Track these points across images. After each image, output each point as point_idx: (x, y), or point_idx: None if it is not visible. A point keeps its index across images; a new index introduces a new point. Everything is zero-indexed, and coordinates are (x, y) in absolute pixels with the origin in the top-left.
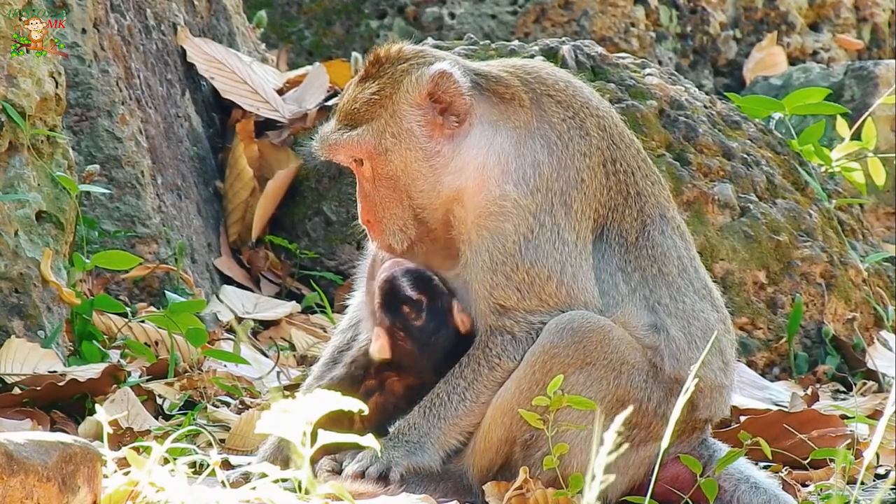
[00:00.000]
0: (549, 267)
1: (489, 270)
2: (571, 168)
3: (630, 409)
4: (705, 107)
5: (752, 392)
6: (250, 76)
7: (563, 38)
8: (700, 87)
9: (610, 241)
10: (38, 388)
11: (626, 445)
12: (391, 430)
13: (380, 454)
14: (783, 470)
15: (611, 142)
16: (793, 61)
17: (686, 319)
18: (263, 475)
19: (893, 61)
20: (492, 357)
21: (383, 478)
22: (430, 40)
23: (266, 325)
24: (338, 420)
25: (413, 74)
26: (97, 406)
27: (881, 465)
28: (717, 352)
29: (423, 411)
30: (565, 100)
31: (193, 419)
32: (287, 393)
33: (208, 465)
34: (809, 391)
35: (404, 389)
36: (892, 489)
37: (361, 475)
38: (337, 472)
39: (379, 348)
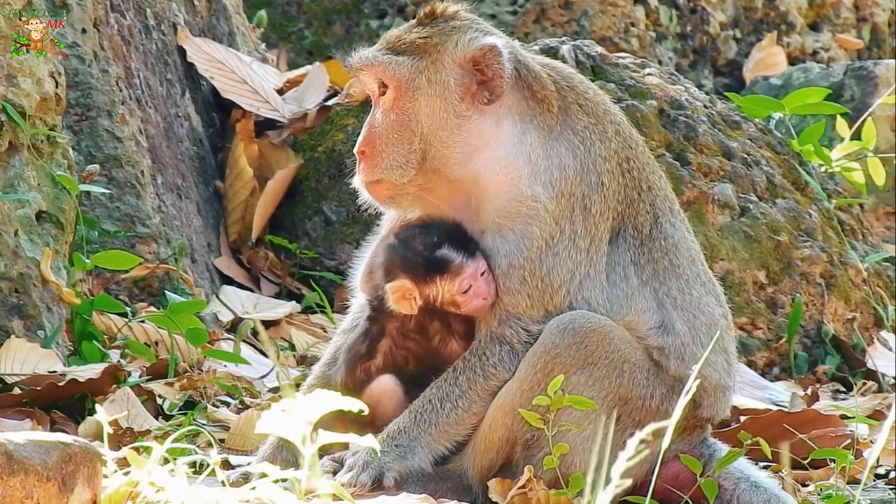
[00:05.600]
0: (561, 276)
1: (504, 274)
2: (593, 172)
3: (666, 421)
4: (705, 107)
5: (752, 392)
6: (250, 76)
7: (563, 38)
8: (700, 86)
9: (626, 235)
10: (38, 388)
11: (647, 451)
12: (382, 433)
13: (379, 455)
14: (783, 470)
15: (625, 144)
16: (793, 61)
17: (692, 313)
18: (263, 475)
19: (893, 61)
20: (488, 367)
21: (377, 483)
22: None
23: (266, 325)
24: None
25: (466, 35)
26: (97, 406)
27: (881, 465)
28: (722, 350)
29: (413, 416)
30: (591, 108)
31: (193, 419)
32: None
33: (208, 465)
34: (809, 391)
35: (402, 334)
36: (892, 489)
37: (354, 483)
38: (336, 472)
39: (409, 305)
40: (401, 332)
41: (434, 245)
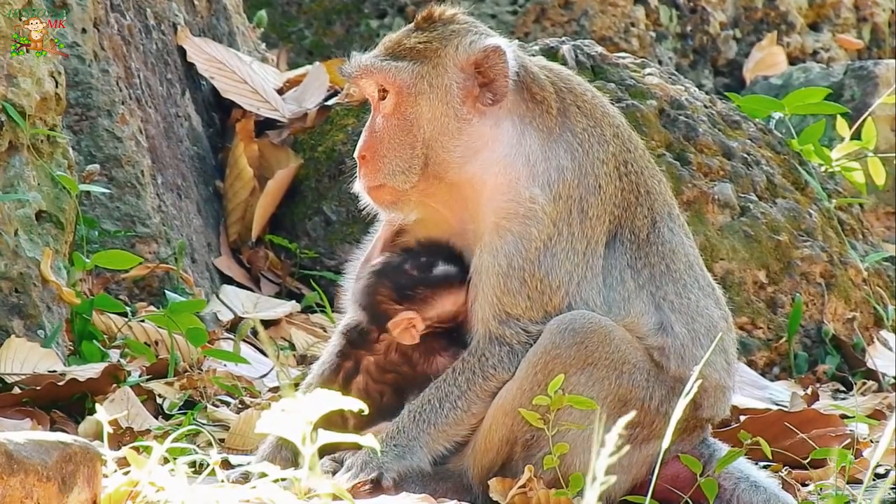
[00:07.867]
0: (560, 277)
1: (504, 275)
2: (591, 175)
3: (633, 413)
4: (705, 106)
5: (752, 392)
6: (250, 76)
7: (563, 38)
8: (700, 86)
9: (623, 238)
10: (38, 388)
11: (627, 447)
12: (381, 435)
13: (379, 455)
14: (783, 470)
15: (624, 147)
16: (793, 61)
17: (690, 315)
18: (263, 475)
19: (893, 61)
20: (487, 367)
21: (376, 484)
22: None
23: (266, 324)
24: (332, 417)
25: (466, 38)
26: (97, 406)
27: (881, 465)
28: (721, 350)
29: (413, 416)
30: (589, 111)
31: (193, 419)
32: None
33: (208, 465)
34: (809, 391)
35: (380, 368)
36: (892, 489)
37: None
38: (336, 472)
39: (411, 335)
40: (379, 366)
41: (428, 265)
